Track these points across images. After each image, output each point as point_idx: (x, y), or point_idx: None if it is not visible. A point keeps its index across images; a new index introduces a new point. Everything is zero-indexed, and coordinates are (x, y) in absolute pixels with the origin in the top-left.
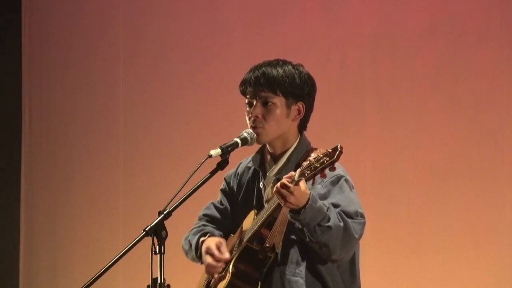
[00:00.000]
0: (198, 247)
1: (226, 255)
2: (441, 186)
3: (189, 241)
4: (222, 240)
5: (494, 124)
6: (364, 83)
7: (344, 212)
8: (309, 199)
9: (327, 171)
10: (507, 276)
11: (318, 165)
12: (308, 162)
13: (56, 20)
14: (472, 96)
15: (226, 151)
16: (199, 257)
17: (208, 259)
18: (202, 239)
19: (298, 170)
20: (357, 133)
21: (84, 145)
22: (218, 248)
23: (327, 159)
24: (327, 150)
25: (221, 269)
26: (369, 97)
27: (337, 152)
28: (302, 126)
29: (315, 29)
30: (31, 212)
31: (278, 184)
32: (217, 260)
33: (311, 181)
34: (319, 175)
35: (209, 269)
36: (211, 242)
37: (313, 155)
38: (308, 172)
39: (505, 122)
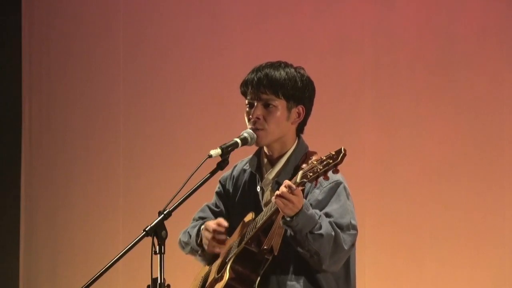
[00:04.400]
0: (199, 234)
1: (225, 223)
2: (441, 186)
3: (188, 232)
4: (221, 218)
5: (494, 124)
6: (363, 83)
7: (336, 223)
8: (302, 205)
9: (330, 173)
10: (507, 276)
11: (321, 167)
12: (310, 164)
13: (56, 20)
14: (472, 96)
15: (226, 151)
16: (199, 244)
17: (206, 233)
18: (202, 226)
19: (300, 172)
20: (356, 134)
21: (84, 145)
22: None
23: (331, 161)
24: (330, 153)
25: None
26: (368, 97)
27: (341, 155)
28: (300, 130)
29: (314, 29)
30: (31, 212)
31: (282, 187)
32: (217, 224)
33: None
34: (322, 177)
35: (210, 245)
36: (209, 222)
37: (314, 157)
38: (311, 174)
39: (505, 122)
